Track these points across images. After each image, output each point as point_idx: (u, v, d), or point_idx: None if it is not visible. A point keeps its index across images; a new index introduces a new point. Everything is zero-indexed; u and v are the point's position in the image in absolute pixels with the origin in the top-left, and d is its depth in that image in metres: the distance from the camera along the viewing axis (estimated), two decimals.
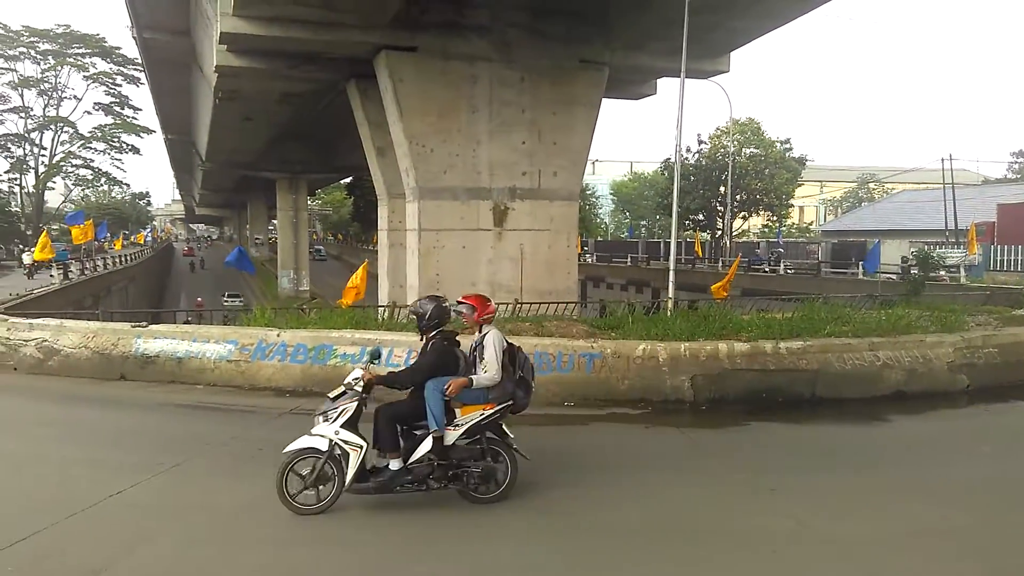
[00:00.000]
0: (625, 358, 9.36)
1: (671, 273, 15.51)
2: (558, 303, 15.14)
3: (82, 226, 26.41)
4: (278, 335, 9.99)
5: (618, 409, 8.99)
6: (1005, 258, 32.82)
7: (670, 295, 15.12)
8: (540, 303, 14.82)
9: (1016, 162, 72.02)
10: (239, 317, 12.33)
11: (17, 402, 9.67)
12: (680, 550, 5.42)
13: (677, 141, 16.16)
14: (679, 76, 20.26)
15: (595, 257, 51.81)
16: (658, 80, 23.40)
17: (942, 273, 26.53)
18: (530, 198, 19.01)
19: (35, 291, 20.09)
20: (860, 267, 28.97)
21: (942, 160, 41.33)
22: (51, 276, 23.25)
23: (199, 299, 39.00)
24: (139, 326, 10.83)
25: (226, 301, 40.07)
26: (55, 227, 57.68)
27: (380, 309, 14.11)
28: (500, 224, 18.88)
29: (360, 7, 16.27)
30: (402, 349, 9.30)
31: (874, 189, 79.19)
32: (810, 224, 77.82)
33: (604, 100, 20.04)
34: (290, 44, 17.47)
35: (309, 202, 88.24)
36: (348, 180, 71.77)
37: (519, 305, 14.18)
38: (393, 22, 16.96)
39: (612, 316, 12.27)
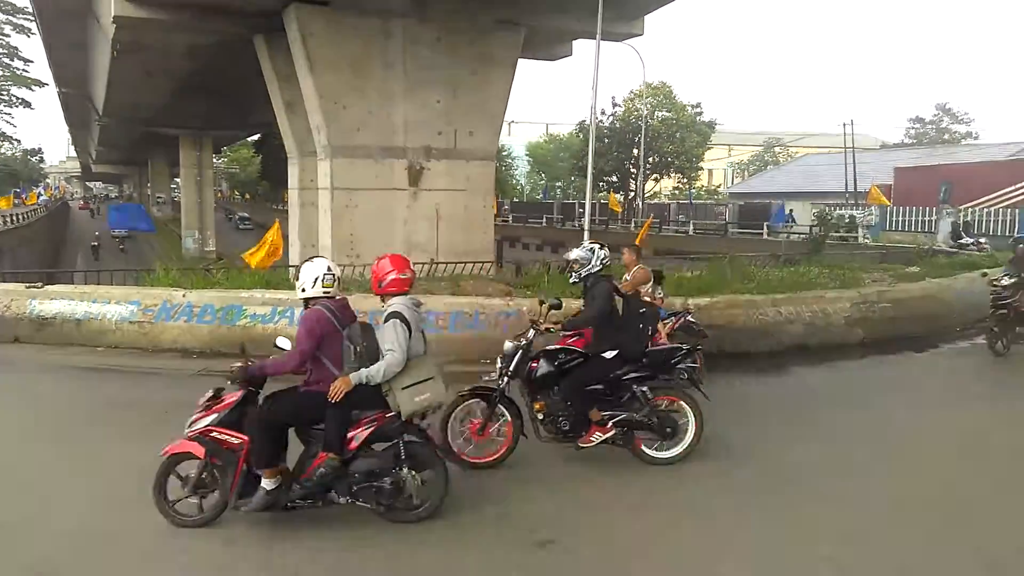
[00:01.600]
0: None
1: (585, 233, 15.74)
2: (475, 262, 15.23)
3: None
4: (184, 295, 9.71)
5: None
6: (901, 219, 34.52)
7: None
8: (457, 263, 14.87)
9: (913, 127, 75.43)
10: (142, 277, 11.86)
11: None
12: (593, 516, 5.47)
13: (593, 103, 16.29)
14: (595, 38, 20.39)
15: (511, 218, 51.95)
16: (574, 41, 23.44)
17: (860, 234, 27.95)
18: (446, 158, 18.87)
19: None
20: (766, 227, 30.08)
21: (843, 125, 43.09)
22: None
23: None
24: (34, 287, 10.33)
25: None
26: None
27: (292, 270, 13.84)
28: (416, 184, 18.70)
29: None
30: None
31: (779, 153, 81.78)
32: (718, 187, 79.89)
33: (520, 61, 19.96)
34: None
35: (215, 159, 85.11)
36: (256, 137, 69.36)
37: (434, 264, 14.20)
38: None
39: (528, 275, 12.37)
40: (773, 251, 18.10)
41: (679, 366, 6.30)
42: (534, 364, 6.09)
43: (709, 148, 55.41)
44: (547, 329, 6.16)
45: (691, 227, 36.02)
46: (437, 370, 5.11)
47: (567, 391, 6.02)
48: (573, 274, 6.37)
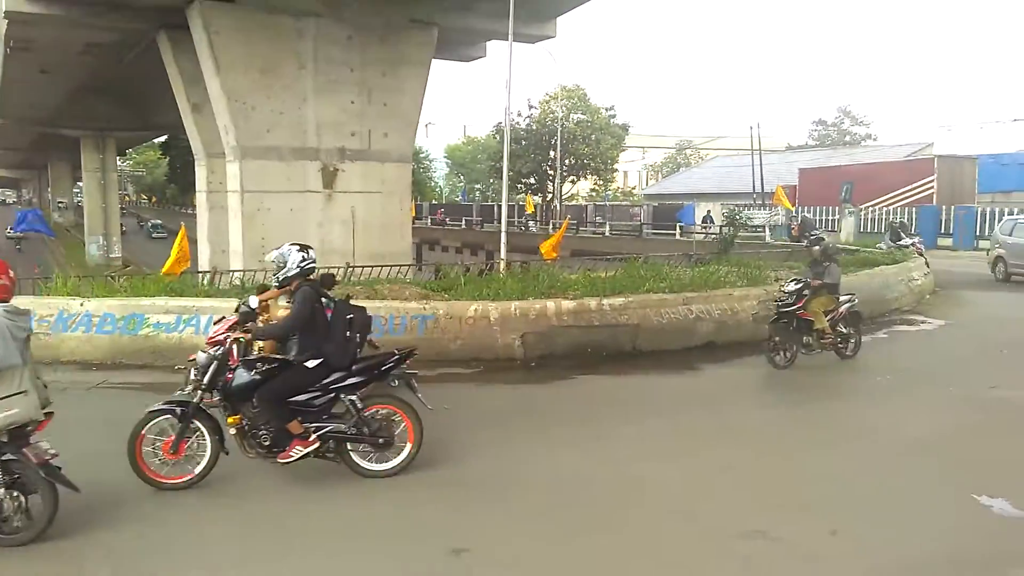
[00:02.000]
0: (457, 319, 9.48)
1: (503, 235, 15.79)
2: (392, 266, 15.04)
3: None
4: (82, 304, 9.21)
5: (450, 369, 9.13)
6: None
7: (502, 256, 15.40)
8: (373, 266, 14.65)
9: (816, 129, 78.45)
10: (38, 286, 11.23)
11: None
12: (511, 504, 5.57)
13: (506, 104, 16.33)
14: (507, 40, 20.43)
15: (429, 220, 51.71)
16: (488, 43, 23.47)
17: (767, 234, 28.76)
18: (361, 159, 18.60)
19: None
20: (678, 228, 30.82)
21: (750, 128, 44.46)
22: None
23: None
24: None
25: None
26: None
27: (200, 275, 13.39)
28: (330, 186, 18.38)
29: None
30: (222, 315, 8.90)
31: (691, 155, 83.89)
32: (633, 188, 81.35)
33: (435, 62, 19.87)
34: None
35: (120, 162, 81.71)
36: (163, 139, 66.96)
37: (351, 269, 13.95)
38: None
39: (446, 278, 12.33)
40: (685, 251, 18.49)
41: (392, 372, 5.98)
42: (230, 375, 5.70)
43: (623, 150, 56.37)
44: (237, 339, 5.77)
45: (607, 228, 36.57)
46: (32, 383, 4.77)
47: (262, 402, 5.64)
48: (274, 277, 6.04)
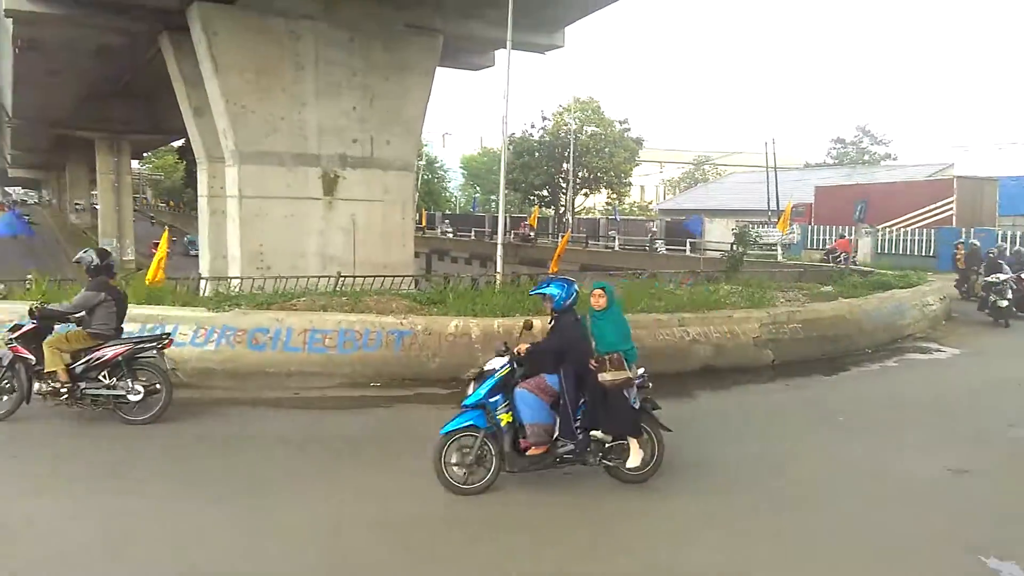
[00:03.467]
0: (437, 335, 8.96)
1: (499, 247, 15.32)
2: (392, 276, 14.56)
3: None
4: None
5: (427, 389, 8.57)
6: (821, 237, 35.01)
7: (498, 269, 14.92)
8: (373, 276, 14.18)
9: (835, 147, 77.43)
10: (10, 289, 10.85)
11: None
12: (456, 545, 5.09)
13: (504, 114, 15.89)
14: (517, 49, 20.01)
15: (440, 230, 51.29)
16: (498, 52, 23.09)
17: (779, 252, 27.84)
18: (362, 167, 18.26)
19: None
20: (689, 244, 30.21)
21: (765, 144, 43.78)
22: None
23: None
24: None
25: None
26: None
27: (176, 282, 12.99)
28: (331, 193, 18.06)
29: None
30: (188, 327, 8.47)
31: (708, 171, 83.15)
32: (650, 203, 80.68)
33: (447, 72, 19.52)
34: None
35: (138, 165, 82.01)
36: (180, 143, 67.17)
37: (342, 279, 13.50)
38: None
39: (435, 291, 11.83)
40: (692, 268, 17.91)
41: None
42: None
43: (637, 164, 55.84)
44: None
45: (616, 242, 35.98)
46: None
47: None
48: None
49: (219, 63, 16.29)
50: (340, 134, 17.81)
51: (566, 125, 48.17)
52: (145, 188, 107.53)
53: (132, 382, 7.38)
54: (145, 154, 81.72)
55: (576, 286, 6.42)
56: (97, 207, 66.07)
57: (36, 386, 7.38)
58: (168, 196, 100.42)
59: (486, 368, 6.22)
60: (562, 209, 51.10)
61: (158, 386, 7.44)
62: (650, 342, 9.79)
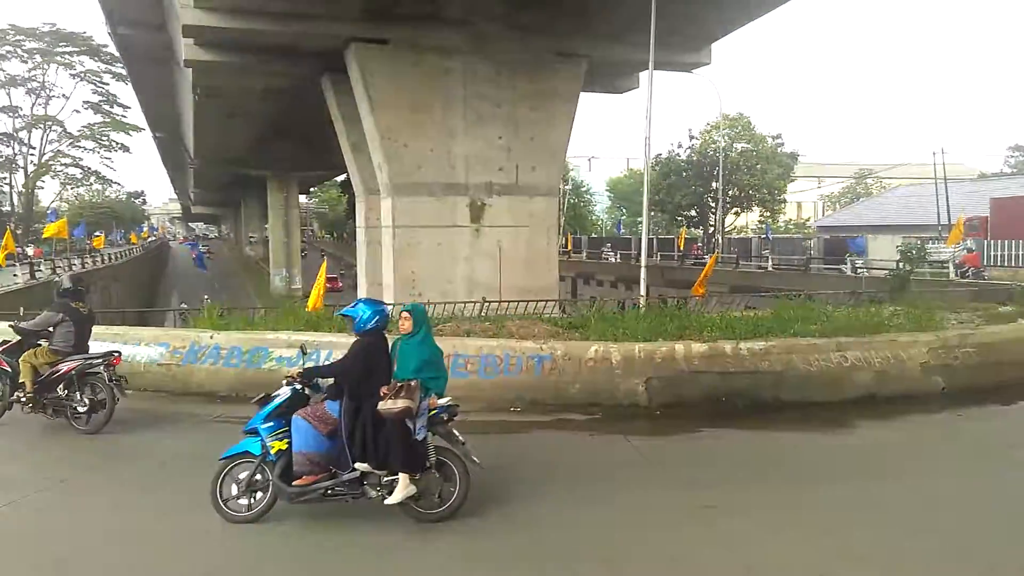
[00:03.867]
0: (576, 360, 8.92)
1: (643, 270, 15.09)
2: (536, 300, 14.71)
3: (55, 223, 26.13)
4: (211, 337, 9.53)
5: (566, 415, 8.52)
6: (998, 253, 32.10)
7: (642, 293, 14.70)
8: (517, 301, 14.39)
9: (1013, 156, 71.27)
10: (187, 319, 11.86)
11: None
12: None
13: (646, 135, 15.66)
14: (661, 69, 19.74)
15: (586, 254, 51.16)
16: (642, 73, 22.94)
17: (951, 270, 25.66)
18: (508, 194, 18.58)
19: None
20: (849, 263, 28.52)
21: (934, 154, 40.88)
22: (14, 276, 22.58)
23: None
24: None
25: None
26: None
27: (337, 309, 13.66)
28: (477, 220, 18.46)
29: None
30: (339, 352, 8.89)
31: (871, 185, 78.63)
32: (807, 220, 77.25)
33: (590, 95, 19.57)
34: (257, 37, 16.97)
35: (305, 200, 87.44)
36: (342, 177, 71.19)
37: (487, 304, 13.75)
38: (363, 14, 16.52)
39: (577, 315, 11.81)
40: (853, 288, 16.88)
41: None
42: None
43: (792, 180, 53.65)
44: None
45: (769, 262, 34.55)
46: None
47: None
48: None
49: (374, 101, 17.13)
50: (486, 163, 18.22)
51: (714, 143, 47.08)
52: (312, 221, 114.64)
53: (81, 395, 8.17)
54: (312, 189, 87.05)
55: (387, 309, 6.18)
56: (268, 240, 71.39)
57: (14, 395, 8.36)
58: (332, 228, 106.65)
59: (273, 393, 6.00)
60: (711, 229, 49.85)
61: (104, 399, 8.17)
62: (803, 368, 9.31)
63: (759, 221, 59.90)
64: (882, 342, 9.98)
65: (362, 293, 22.26)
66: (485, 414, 8.22)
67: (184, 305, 33.11)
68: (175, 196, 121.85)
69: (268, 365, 9.14)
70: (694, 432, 8.28)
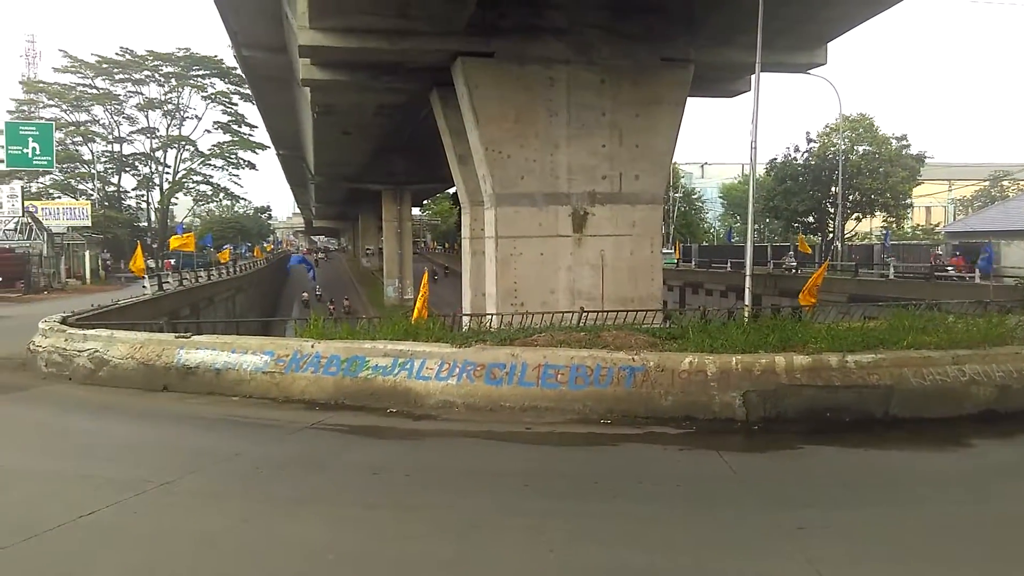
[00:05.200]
0: (670, 372, 8.70)
1: (747, 279, 14.65)
2: (636, 311, 14.52)
3: (181, 236, 27.85)
4: (312, 346, 9.83)
5: (658, 428, 8.28)
6: None
7: (746, 302, 14.25)
8: (616, 311, 14.25)
9: None
10: (296, 328, 12.35)
11: (48, 413, 9.63)
12: None
13: (752, 138, 15.18)
14: (773, 71, 19.14)
15: (694, 263, 50.11)
16: (754, 76, 22.29)
17: None
18: (610, 203, 18.50)
19: (120, 301, 20.06)
20: (977, 272, 26.74)
21: None
22: (143, 287, 24.11)
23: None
24: (183, 337, 10.91)
25: None
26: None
27: (443, 318, 13.91)
28: (579, 230, 18.45)
29: (433, 14, 16.22)
30: (434, 361, 9.05)
31: (1008, 187, 73.36)
32: (937, 225, 72.88)
33: (700, 100, 19.24)
34: (368, 55, 17.56)
35: (418, 212, 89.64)
36: (453, 190, 72.60)
37: (585, 314, 13.66)
38: (469, 28, 16.85)
39: (675, 326, 11.55)
40: (980, 297, 15.78)
41: None
42: None
43: (919, 183, 50.76)
44: None
45: (891, 270, 32.82)
46: None
47: None
48: None
49: (479, 113, 17.43)
50: (589, 172, 18.19)
51: (834, 146, 45.13)
52: (425, 232, 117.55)
53: None
54: (424, 201, 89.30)
55: None
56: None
57: None
58: (444, 239, 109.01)
59: None
60: (830, 235, 47.81)
61: None
62: (915, 382, 8.75)
63: (881, 227, 57.05)
64: (1005, 355, 9.26)
65: (467, 303, 22.59)
66: (574, 426, 8.13)
67: (295, 317, 34.60)
68: (298, 211, 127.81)
69: (364, 374, 9.35)
70: (793, 448, 7.85)
